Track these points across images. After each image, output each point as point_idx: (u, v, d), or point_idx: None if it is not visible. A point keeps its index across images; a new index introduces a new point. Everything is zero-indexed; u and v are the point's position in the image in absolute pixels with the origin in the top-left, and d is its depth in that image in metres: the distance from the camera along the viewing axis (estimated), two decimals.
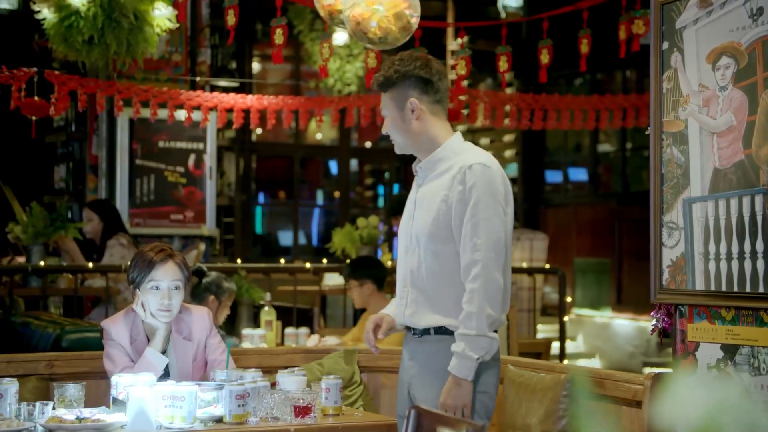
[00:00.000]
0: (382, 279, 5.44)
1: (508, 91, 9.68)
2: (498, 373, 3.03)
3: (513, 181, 11.28)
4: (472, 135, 11.63)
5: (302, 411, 3.10)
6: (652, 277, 3.18)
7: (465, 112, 7.03)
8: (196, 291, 4.73)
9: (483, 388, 2.95)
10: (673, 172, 3.14)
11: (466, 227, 2.92)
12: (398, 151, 3.12)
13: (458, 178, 2.96)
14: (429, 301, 2.98)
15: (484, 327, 2.88)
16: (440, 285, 2.97)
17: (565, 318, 7.11)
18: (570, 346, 9.12)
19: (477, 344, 2.87)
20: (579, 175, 11.05)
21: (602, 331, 9.71)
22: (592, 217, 10.39)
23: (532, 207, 11.03)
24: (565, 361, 6.74)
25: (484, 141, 11.47)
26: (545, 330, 9.02)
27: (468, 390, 2.88)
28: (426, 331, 2.99)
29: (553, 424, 3.34)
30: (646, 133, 3.28)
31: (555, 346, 7.15)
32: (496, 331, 2.94)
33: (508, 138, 11.15)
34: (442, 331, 2.97)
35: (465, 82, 6.90)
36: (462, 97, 6.88)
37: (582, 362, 9.09)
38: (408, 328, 3.06)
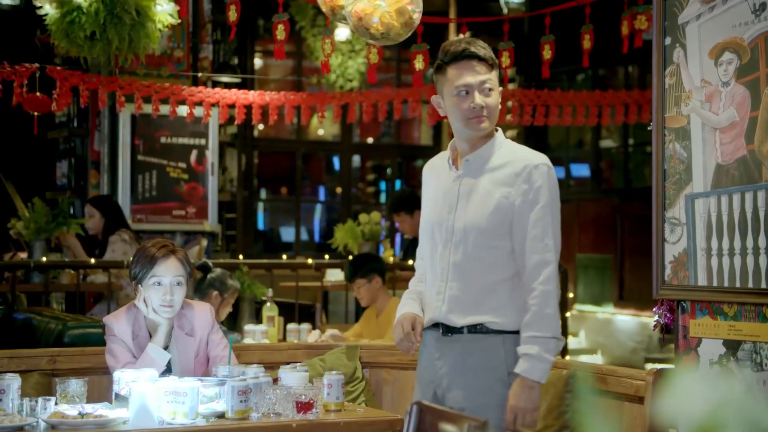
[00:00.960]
0: (385, 272, 5.46)
1: (510, 86, 9.67)
2: None
3: None
4: None
5: (304, 407, 3.10)
6: (655, 272, 3.18)
7: None
8: (200, 286, 4.73)
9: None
10: (675, 167, 3.14)
11: (536, 227, 2.86)
12: (480, 131, 2.93)
13: (523, 177, 2.88)
14: (472, 298, 2.87)
15: (557, 329, 2.83)
16: (487, 281, 2.88)
17: (567, 314, 7.11)
18: (572, 342, 9.12)
19: (551, 346, 2.81)
20: (581, 170, 11.04)
21: (604, 327, 9.70)
22: (594, 213, 10.38)
23: None
24: (567, 357, 6.73)
25: None
26: None
27: (539, 393, 2.80)
28: (460, 330, 2.87)
29: (555, 419, 3.34)
30: (649, 128, 3.27)
31: None
32: None
33: (510, 134, 11.14)
34: (477, 329, 2.86)
35: None
36: None
37: (584, 358, 9.08)
38: (439, 326, 2.92)
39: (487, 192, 2.90)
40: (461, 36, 3.52)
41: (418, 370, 3.01)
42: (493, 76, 2.93)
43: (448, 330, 2.89)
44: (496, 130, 3.00)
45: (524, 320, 2.82)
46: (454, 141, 3.03)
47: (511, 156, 2.95)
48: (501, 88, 3.00)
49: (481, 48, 2.94)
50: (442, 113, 3.01)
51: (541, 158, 2.94)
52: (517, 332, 2.84)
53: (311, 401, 3.11)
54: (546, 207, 2.87)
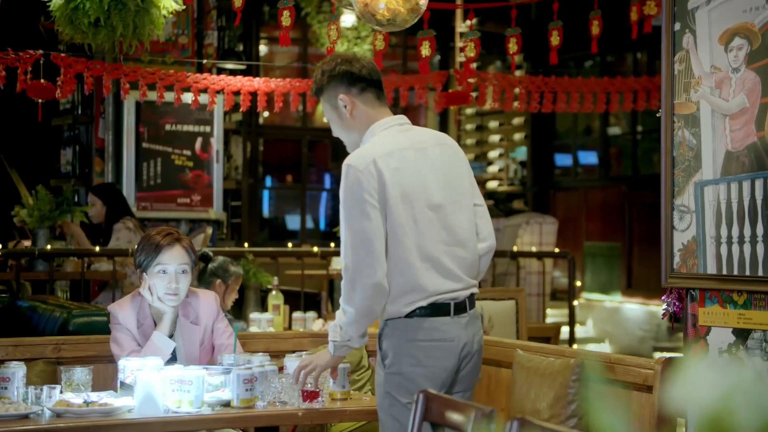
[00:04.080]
0: None
1: (518, 73, 9.62)
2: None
3: (522, 164, 11.29)
4: (480, 118, 11.58)
5: (310, 395, 3.09)
6: (663, 261, 3.15)
7: (474, 94, 6.98)
8: (203, 276, 4.71)
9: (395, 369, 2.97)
10: (684, 154, 3.11)
11: None
12: (351, 150, 3.10)
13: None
14: None
15: (341, 319, 3.04)
16: None
17: (575, 302, 7.09)
18: (579, 331, 9.09)
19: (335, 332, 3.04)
20: (589, 158, 10.99)
21: (612, 316, 9.67)
22: (602, 201, 10.34)
23: (541, 190, 10.98)
24: (575, 346, 6.71)
25: (493, 124, 11.41)
26: (554, 314, 9.00)
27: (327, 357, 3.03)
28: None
29: (563, 408, 3.32)
30: (657, 115, 3.24)
31: (564, 330, 7.13)
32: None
33: (517, 121, 11.09)
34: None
35: (474, 65, 6.86)
36: (471, 80, 6.83)
37: (591, 347, 9.05)
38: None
39: None
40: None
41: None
42: (322, 102, 3.11)
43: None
44: (372, 125, 3.07)
45: None
46: None
47: None
48: (339, 96, 3.05)
49: (311, 87, 3.16)
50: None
51: (350, 157, 3.00)
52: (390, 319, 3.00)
53: (317, 390, 3.09)
54: (341, 210, 2.97)
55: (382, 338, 3.02)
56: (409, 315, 2.96)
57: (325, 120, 3.18)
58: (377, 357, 3.05)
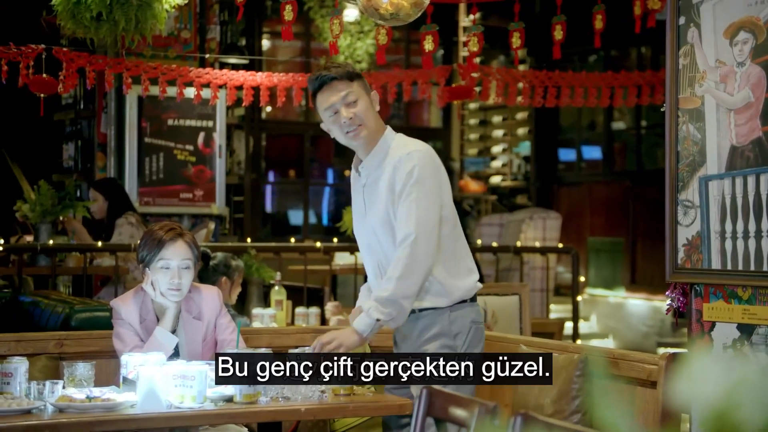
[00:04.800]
0: None
1: (521, 68, 9.59)
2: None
3: (526, 159, 11.28)
4: (484, 113, 11.55)
5: None
6: (668, 256, 3.14)
7: (477, 89, 6.96)
8: (206, 274, 4.69)
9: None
10: (689, 149, 3.10)
11: (404, 205, 3.12)
12: (361, 141, 3.19)
13: (399, 165, 3.12)
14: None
15: (397, 291, 3.10)
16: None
17: (579, 298, 7.07)
18: (583, 327, 9.06)
19: (385, 307, 3.10)
20: (593, 153, 10.96)
21: (616, 311, 9.65)
22: (606, 196, 10.31)
23: (545, 185, 10.95)
24: (579, 342, 6.70)
25: (497, 119, 11.39)
26: (558, 310, 8.98)
27: (355, 339, 3.08)
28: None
29: (567, 404, 3.31)
30: (662, 110, 3.22)
31: (568, 326, 7.11)
32: None
33: (520, 116, 11.07)
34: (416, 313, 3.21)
35: (477, 59, 6.83)
36: (474, 75, 6.81)
37: (595, 343, 9.02)
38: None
39: (379, 194, 3.18)
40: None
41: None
42: (354, 87, 3.17)
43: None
44: (385, 129, 3.23)
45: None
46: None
47: (393, 151, 3.18)
48: (372, 93, 3.22)
49: (334, 68, 3.20)
50: (333, 136, 3.25)
51: (417, 145, 3.17)
52: (442, 308, 3.15)
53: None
54: (413, 185, 3.08)
55: (449, 323, 3.15)
56: (473, 298, 3.21)
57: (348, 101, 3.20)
58: (435, 344, 3.14)
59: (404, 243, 3.05)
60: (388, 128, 3.25)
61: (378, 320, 3.05)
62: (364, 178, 3.25)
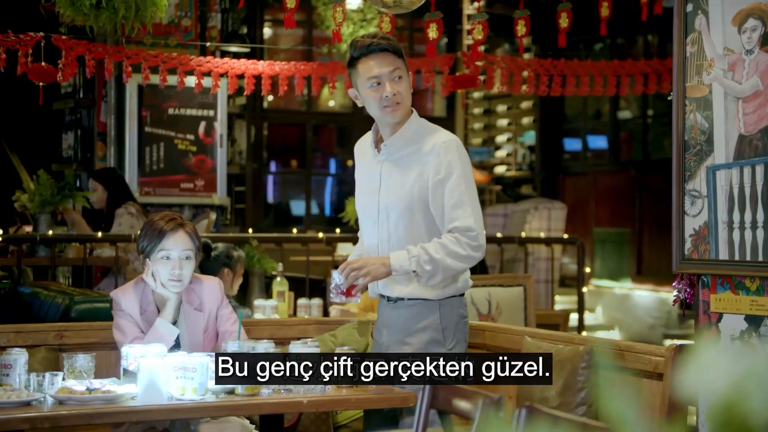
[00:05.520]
0: None
1: (526, 56, 9.55)
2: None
3: (531, 149, 11.22)
4: (488, 102, 11.50)
5: (347, 292, 3.14)
6: (675, 246, 3.10)
7: (482, 78, 6.91)
8: (207, 265, 4.66)
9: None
10: (696, 138, 3.05)
11: (452, 197, 3.18)
12: (396, 118, 3.20)
13: (433, 154, 3.16)
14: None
15: (432, 263, 3.17)
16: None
17: (584, 289, 7.03)
18: (589, 318, 9.03)
19: (419, 266, 3.16)
20: (598, 142, 10.90)
21: (622, 303, 9.61)
22: (612, 186, 10.26)
23: (550, 175, 10.90)
24: (584, 333, 6.66)
25: (501, 108, 11.34)
26: (563, 301, 8.95)
27: (384, 271, 3.15)
28: (395, 300, 3.27)
29: (572, 396, 3.28)
30: (669, 99, 3.18)
31: (573, 317, 7.08)
32: None
33: (525, 105, 11.02)
34: (411, 299, 3.25)
35: (482, 48, 6.76)
36: (479, 63, 6.76)
37: (601, 334, 8.98)
38: (384, 296, 3.33)
39: (404, 174, 3.19)
40: (373, 31, 3.81)
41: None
42: (400, 64, 3.19)
43: (389, 299, 3.29)
44: (412, 112, 3.25)
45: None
46: (377, 123, 3.28)
47: (423, 137, 3.21)
48: (410, 74, 3.25)
49: (385, 40, 3.20)
50: (360, 104, 3.25)
51: (449, 135, 3.22)
52: (442, 299, 3.20)
53: (353, 295, 3.20)
54: (460, 177, 3.14)
55: (438, 317, 3.20)
56: (462, 293, 3.25)
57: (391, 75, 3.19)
58: (421, 336, 3.20)
59: (467, 234, 3.13)
60: (414, 111, 3.27)
61: (414, 271, 3.11)
62: (384, 155, 3.25)
